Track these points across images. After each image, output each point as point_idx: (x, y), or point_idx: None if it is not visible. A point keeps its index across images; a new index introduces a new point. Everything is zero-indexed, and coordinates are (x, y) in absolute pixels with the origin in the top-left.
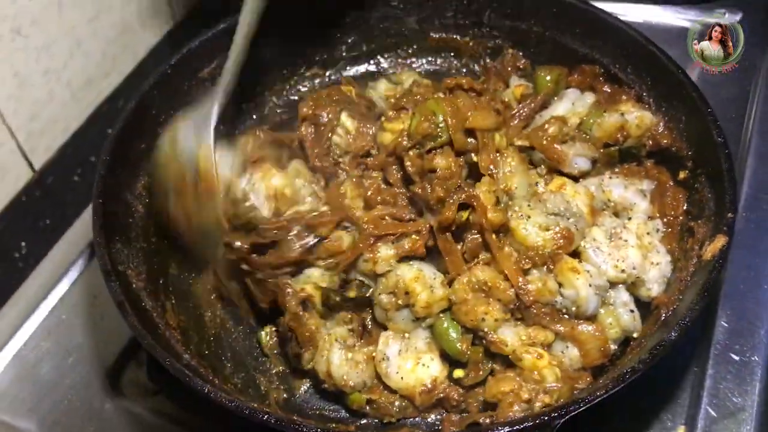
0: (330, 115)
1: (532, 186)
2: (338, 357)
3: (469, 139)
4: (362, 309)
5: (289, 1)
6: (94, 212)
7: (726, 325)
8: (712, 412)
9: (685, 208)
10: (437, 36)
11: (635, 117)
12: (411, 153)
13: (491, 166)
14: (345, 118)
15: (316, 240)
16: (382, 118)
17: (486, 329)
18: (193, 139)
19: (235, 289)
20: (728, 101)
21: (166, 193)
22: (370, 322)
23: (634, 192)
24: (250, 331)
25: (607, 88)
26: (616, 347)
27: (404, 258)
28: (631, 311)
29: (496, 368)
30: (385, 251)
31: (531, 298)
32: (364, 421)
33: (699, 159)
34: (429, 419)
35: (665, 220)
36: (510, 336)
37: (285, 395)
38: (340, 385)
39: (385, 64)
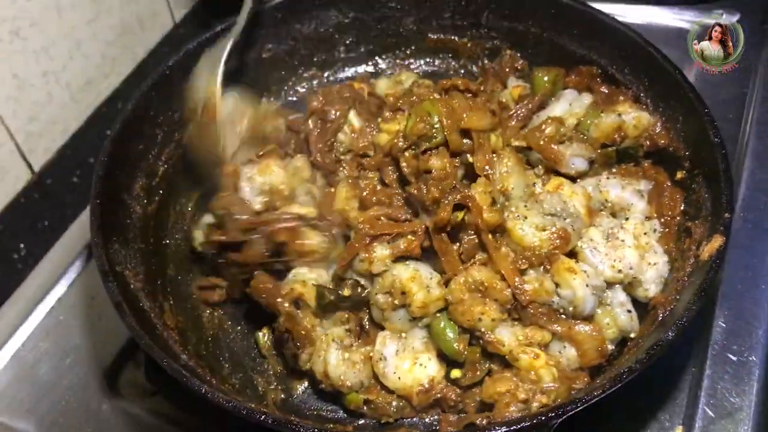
0: (338, 113)
1: (529, 186)
2: (335, 357)
3: (464, 140)
4: (359, 309)
5: None
6: (92, 213)
7: (723, 325)
8: (710, 412)
9: (682, 208)
10: (435, 37)
11: (632, 117)
12: (407, 154)
13: (487, 167)
14: (353, 116)
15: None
16: (379, 119)
17: (483, 329)
18: (205, 74)
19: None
20: (726, 102)
21: (187, 122)
22: (367, 322)
23: (632, 192)
24: (248, 332)
25: (604, 89)
26: (614, 347)
27: (400, 258)
28: (629, 311)
29: (493, 368)
30: (381, 251)
31: (528, 298)
32: (361, 422)
33: (696, 159)
34: (426, 419)
35: (662, 220)
36: (507, 336)
37: (283, 396)
38: (337, 386)
39: (383, 65)
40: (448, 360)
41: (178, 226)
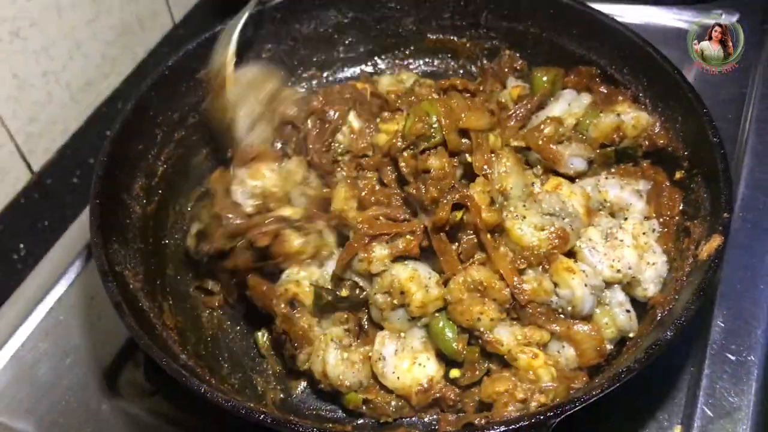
0: (337, 114)
1: (527, 186)
2: (334, 357)
3: (463, 140)
4: (358, 309)
5: None
6: (92, 213)
7: (722, 324)
8: (709, 412)
9: (681, 208)
10: (434, 37)
11: (631, 117)
12: (405, 154)
13: (485, 167)
14: (352, 117)
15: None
16: (378, 119)
17: (482, 329)
18: (222, 44)
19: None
20: (726, 102)
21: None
22: (366, 322)
23: (630, 192)
24: (247, 332)
25: (603, 89)
26: (612, 347)
27: (399, 258)
28: (627, 311)
29: (492, 368)
30: (380, 251)
31: (526, 298)
32: (360, 421)
33: (695, 159)
34: (425, 419)
35: (661, 220)
36: (506, 336)
37: (282, 395)
38: (335, 385)
39: (382, 66)
40: (447, 360)
41: (178, 226)
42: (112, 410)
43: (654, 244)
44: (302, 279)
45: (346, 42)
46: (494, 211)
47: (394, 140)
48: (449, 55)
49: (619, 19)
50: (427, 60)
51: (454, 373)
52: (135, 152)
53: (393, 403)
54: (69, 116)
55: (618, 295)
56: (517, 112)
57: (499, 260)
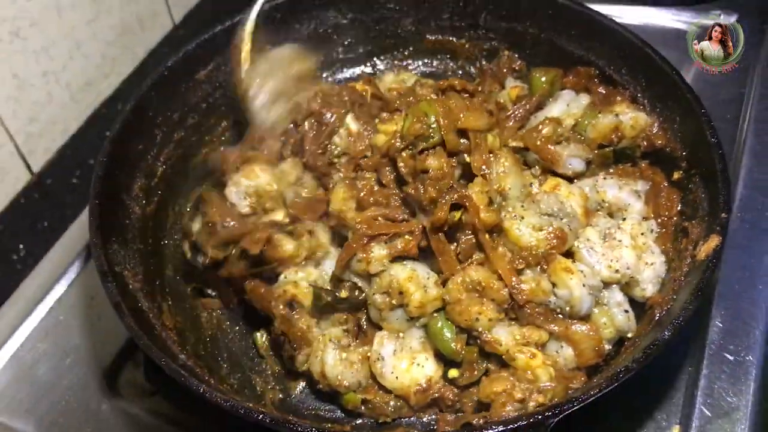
0: (334, 117)
1: (526, 186)
2: (332, 357)
3: (461, 140)
4: (358, 310)
5: None
6: (91, 213)
7: (720, 324)
8: (707, 412)
9: (679, 208)
10: (433, 38)
11: (630, 118)
12: (404, 154)
13: (484, 167)
14: (350, 119)
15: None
16: (376, 120)
17: (480, 329)
18: (245, 20)
19: None
20: (725, 102)
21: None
22: (365, 323)
23: (629, 193)
24: (246, 332)
25: (602, 90)
26: (611, 347)
27: (398, 258)
28: (626, 311)
29: (491, 368)
30: (378, 251)
31: (525, 298)
32: (359, 421)
33: (693, 159)
34: (424, 419)
35: (659, 220)
36: (504, 336)
37: (281, 395)
38: (334, 385)
39: (381, 66)
40: (445, 360)
41: (177, 226)
42: (112, 410)
43: (652, 244)
44: (300, 280)
45: (345, 43)
46: (493, 212)
47: (392, 141)
48: (448, 56)
49: (617, 19)
50: (426, 61)
51: (453, 373)
52: (134, 153)
53: (392, 403)
54: (69, 116)
55: (616, 295)
56: (516, 112)
57: (497, 260)
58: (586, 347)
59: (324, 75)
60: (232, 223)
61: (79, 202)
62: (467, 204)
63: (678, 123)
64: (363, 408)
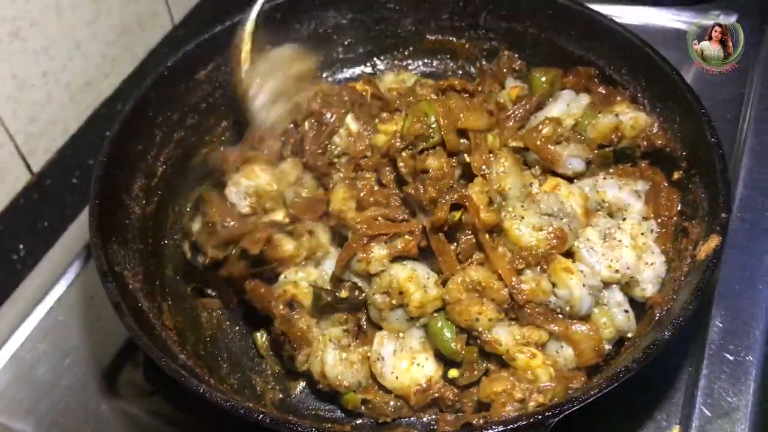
0: (334, 117)
1: (526, 187)
2: (332, 357)
3: (461, 140)
4: (358, 310)
5: None
6: (91, 213)
7: (720, 324)
8: (707, 412)
9: (679, 208)
10: (433, 38)
11: (630, 118)
12: (404, 154)
13: (484, 167)
14: (350, 120)
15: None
16: (376, 120)
17: (480, 329)
18: (246, 19)
19: None
20: (724, 102)
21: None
22: (365, 323)
23: (629, 193)
24: (246, 332)
25: (602, 90)
26: (611, 347)
27: (398, 258)
28: (626, 311)
29: (491, 368)
30: (378, 251)
31: (525, 298)
32: (359, 421)
33: (693, 159)
34: (424, 419)
35: (659, 220)
36: (504, 336)
37: (281, 395)
38: (334, 386)
39: (381, 66)
40: (445, 360)
41: (177, 226)
42: (111, 410)
43: (652, 244)
44: (300, 280)
45: (345, 43)
46: (493, 212)
47: (392, 140)
48: (448, 56)
49: (617, 19)
50: (426, 61)
51: (453, 373)
52: (134, 153)
53: (392, 403)
54: (69, 116)
55: (616, 295)
56: (516, 112)
57: (497, 260)
58: (586, 347)
59: (324, 75)
60: (232, 223)
61: (79, 202)
62: (467, 204)
63: (678, 123)
64: (363, 408)
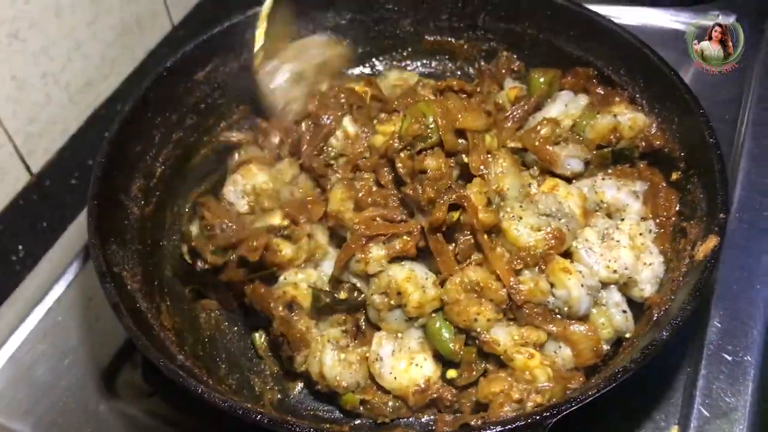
0: (331, 119)
1: (524, 187)
2: (331, 358)
3: (459, 140)
4: (357, 311)
5: None
6: (89, 214)
7: (719, 325)
8: (705, 412)
9: (677, 208)
10: (432, 39)
11: (628, 118)
12: (402, 154)
13: (482, 167)
14: (347, 122)
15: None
16: (375, 121)
17: (478, 329)
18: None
19: None
20: (723, 103)
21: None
22: (363, 323)
23: (627, 193)
24: (245, 333)
25: (600, 90)
26: (609, 347)
27: (396, 259)
28: (624, 311)
29: (489, 368)
30: (377, 252)
31: (523, 299)
32: (357, 422)
33: (691, 160)
34: (422, 419)
35: (658, 221)
36: (502, 336)
37: (279, 396)
38: (333, 386)
39: (380, 67)
40: (443, 360)
41: (175, 227)
42: (110, 411)
43: (650, 244)
44: (300, 281)
45: (344, 43)
46: (491, 212)
47: (390, 141)
48: (447, 57)
49: (616, 20)
50: (424, 61)
51: (451, 373)
52: (133, 153)
53: (390, 403)
54: (68, 117)
55: (614, 296)
56: (514, 113)
57: (495, 261)
58: (585, 347)
59: None
60: (230, 225)
61: (78, 202)
62: (465, 204)
63: (676, 123)
64: (361, 408)
